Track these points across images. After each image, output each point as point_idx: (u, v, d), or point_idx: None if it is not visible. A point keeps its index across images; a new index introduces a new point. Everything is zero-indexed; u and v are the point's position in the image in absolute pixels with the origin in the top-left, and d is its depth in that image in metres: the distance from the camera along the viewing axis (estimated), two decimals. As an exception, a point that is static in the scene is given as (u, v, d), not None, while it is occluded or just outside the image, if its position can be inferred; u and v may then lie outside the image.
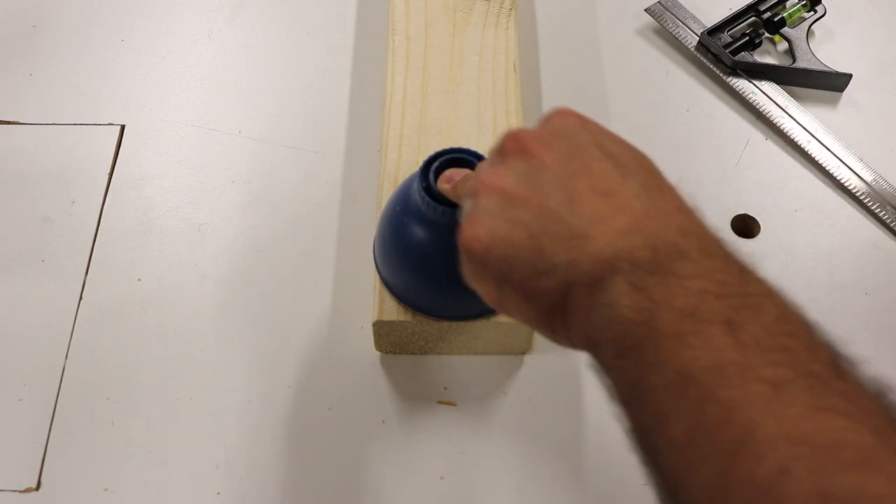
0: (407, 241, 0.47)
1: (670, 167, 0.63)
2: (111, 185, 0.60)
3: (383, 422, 0.51)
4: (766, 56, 0.68)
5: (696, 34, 0.67)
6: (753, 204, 0.60)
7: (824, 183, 0.61)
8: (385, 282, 0.50)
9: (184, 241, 0.58)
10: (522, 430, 0.51)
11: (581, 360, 0.53)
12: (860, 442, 0.27)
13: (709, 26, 0.67)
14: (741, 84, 0.65)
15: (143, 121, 0.63)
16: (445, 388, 0.52)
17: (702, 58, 0.66)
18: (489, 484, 0.49)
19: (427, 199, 0.44)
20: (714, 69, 0.66)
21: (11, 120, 0.63)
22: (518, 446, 0.50)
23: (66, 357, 0.53)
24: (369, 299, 0.53)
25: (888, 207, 0.60)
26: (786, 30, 0.67)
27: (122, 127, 0.63)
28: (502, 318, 0.50)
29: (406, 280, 0.49)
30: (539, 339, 0.54)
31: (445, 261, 0.42)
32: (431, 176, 0.45)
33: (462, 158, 0.45)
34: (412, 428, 0.51)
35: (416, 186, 0.45)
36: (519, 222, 0.35)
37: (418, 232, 0.46)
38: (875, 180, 0.61)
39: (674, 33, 0.68)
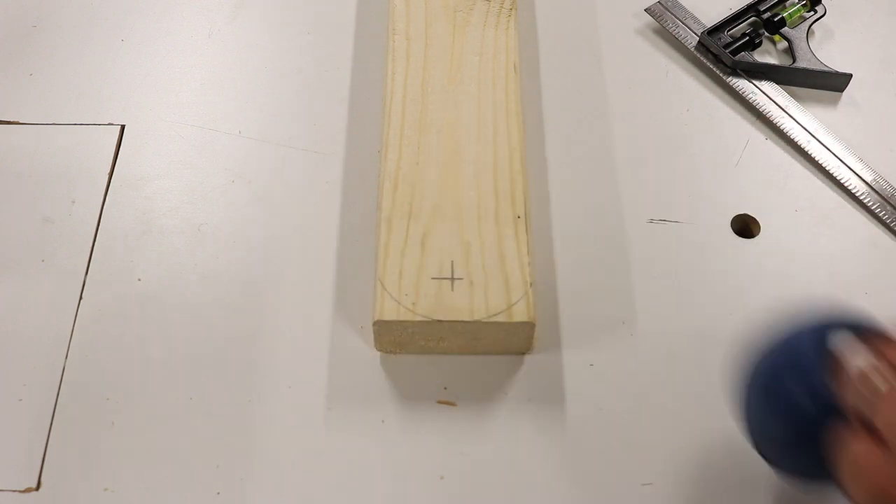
0: (782, 395, 0.42)
1: (670, 167, 0.64)
2: (111, 185, 0.60)
3: (383, 422, 0.51)
4: (766, 56, 0.68)
5: (696, 34, 0.67)
6: (753, 204, 0.60)
7: (824, 183, 0.61)
8: (740, 407, 0.47)
9: (184, 241, 0.58)
10: (522, 430, 0.51)
11: (581, 360, 0.53)
12: None
13: (709, 26, 0.67)
14: (741, 84, 0.65)
15: (143, 121, 0.63)
16: (445, 388, 0.52)
17: (702, 58, 0.66)
18: (489, 484, 0.49)
19: (823, 373, 0.40)
20: (714, 69, 0.66)
21: (11, 120, 0.63)
22: (518, 446, 0.50)
23: (66, 357, 0.53)
24: (369, 299, 0.53)
25: (888, 207, 0.60)
26: (786, 30, 0.67)
27: (122, 127, 0.63)
28: (502, 318, 0.50)
29: (763, 424, 0.45)
30: (539, 339, 0.54)
31: (819, 426, 0.39)
32: (832, 352, 0.40)
33: (862, 328, 0.41)
34: (412, 428, 0.51)
35: (808, 347, 0.41)
36: None
37: (798, 390, 0.42)
38: (875, 180, 0.61)
39: (674, 33, 0.68)
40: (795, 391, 0.42)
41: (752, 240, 0.59)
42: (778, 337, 0.45)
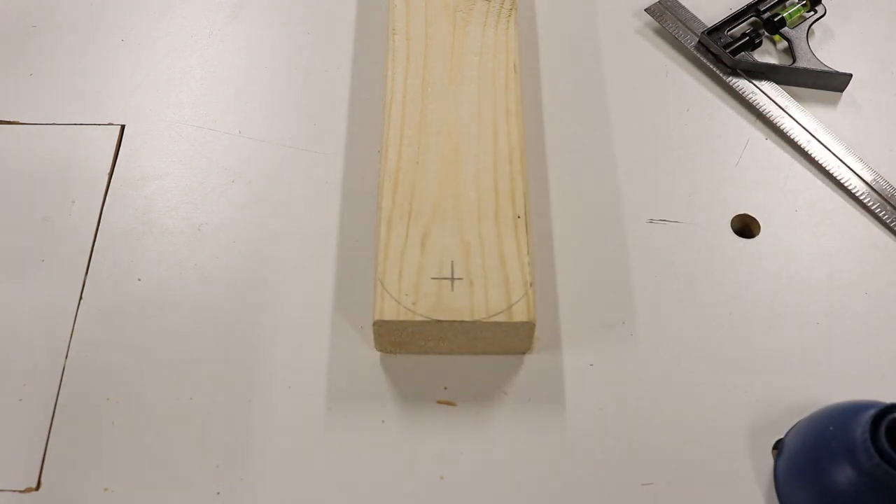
0: (831, 478, 0.45)
1: (670, 167, 0.64)
2: (111, 185, 0.60)
3: (383, 422, 0.51)
4: (766, 56, 0.68)
5: (696, 34, 0.67)
6: (753, 204, 0.60)
7: (824, 183, 0.61)
8: (781, 490, 0.49)
9: (184, 241, 0.58)
10: (522, 430, 0.51)
11: (581, 360, 0.53)
12: None
13: (709, 26, 0.67)
14: (741, 84, 0.65)
15: (143, 121, 0.63)
16: (445, 388, 0.52)
17: (702, 58, 0.66)
18: (489, 484, 0.49)
19: (880, 462, 0.42)
20: (714, 69, 0.66)
21: (11, 120, 0.63)
22: (518, 446, 0.50)
23: (66, 357, 0.53)
24: (369, 299, 0.53)
25: (888, 207, 0.60)
26: (786, 30, 0.67)
27: (122, 127, 0.63)
28: (502, 318, 0.50)
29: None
30: (539, 339, 0.54)
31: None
32: (884, 440, 0.42)
33: None
34: (412, 428, 0.51)
35: (860, 436, 0.43)
36: None
37: (849, 475, 0.44)
38: (875, 180, 0.61)
39: (674, 33, 0.68)
40: (843, 469, 0.44)
41: (752, 240, 0.59)
42: (824, 417, 0.47)
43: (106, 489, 0.49)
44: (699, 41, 0.67)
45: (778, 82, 0.65)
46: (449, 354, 0.53)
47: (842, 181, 0.61)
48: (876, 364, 0.54)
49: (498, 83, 0.59)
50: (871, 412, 0.43)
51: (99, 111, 0.64)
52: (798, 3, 0.68)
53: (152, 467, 0.50)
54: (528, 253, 0.52)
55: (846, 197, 0.61)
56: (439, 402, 0.52)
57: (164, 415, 0.51)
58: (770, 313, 0.55)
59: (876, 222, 0.59)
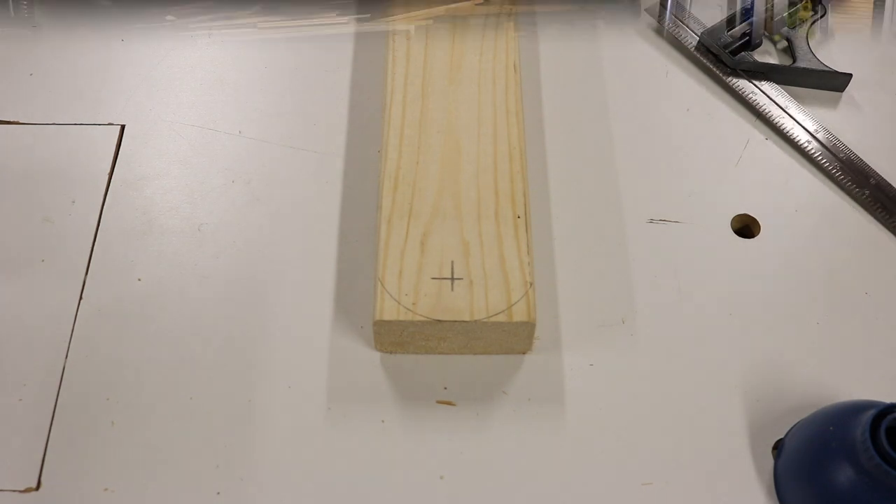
0: (831, 478, 0.45)
1: (670, 167, 0.63)
2: (111, 185, 0.60)
3: (383, 422, 0.51)
4: (766, 56, 0.68)
5: (696, 34, 0.67)
6: (753, 204, 0.60)
7: (824, 183, 0.61)
8: (781, 492, 0.49)
9: (184, 241, 0.58)
10: (522, 430, 0.51)
11: (581, 360, 0.53)
12: None
13: (709, 26, 0.67)
14: (741, 84, 0.65)
15: (143, 121, 0.63)
16: (445, 388, 0.52)
17: (702, 58, 0.66)
18: (489, 484, 0.49)
19: (880, 462, 0.42)
20: (714, 69, 0.66)
21: (11, 120, 0.63)
22: (518, 446, 0.50)
23: (66, 357, 0.53)
24: (369, 299, 0.53)
25: (889, 208, 0.60)
26: (786, 30, 0.67)
27: (122, 127, 0.63)
28: (502, 318, 0.50)
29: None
30: (539, 339, 0.54)
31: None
32: (884, 440, 0.42)
33: None
34: (412, 428, 0.51)
35: (860, 436, 0.43)
36: None
37: (849, 475, 0.44)
38: (875, 181, 0.61)
39: (674, 33, 0.68)
40: (843, 469, 0.44)
41: (752, 240, 0.59)
42: (824, 417, 0.47)
43: (106, 489, 0.49)
44: (699, 41, 0.67)
45: (778, 82, 0.65)
46: (449, 354, 0.53)
47: (842, 181, 0.61)
48: (876, 364, 0.54)
49: (498, 83, 0.59)
50: (871, 412, 0.43)
51: (99, 111, 0.64)
52: (798, 3, 0.68)
53: (152, 467, 0.50)
54: (528, 253, 0.52)
55: (846, 197, 0.61)
56: (439, 402, 0.52)
57: (163, 415, 0.51)
58: (770, 313, 0.55)
59: (876, 222, 0.59)
